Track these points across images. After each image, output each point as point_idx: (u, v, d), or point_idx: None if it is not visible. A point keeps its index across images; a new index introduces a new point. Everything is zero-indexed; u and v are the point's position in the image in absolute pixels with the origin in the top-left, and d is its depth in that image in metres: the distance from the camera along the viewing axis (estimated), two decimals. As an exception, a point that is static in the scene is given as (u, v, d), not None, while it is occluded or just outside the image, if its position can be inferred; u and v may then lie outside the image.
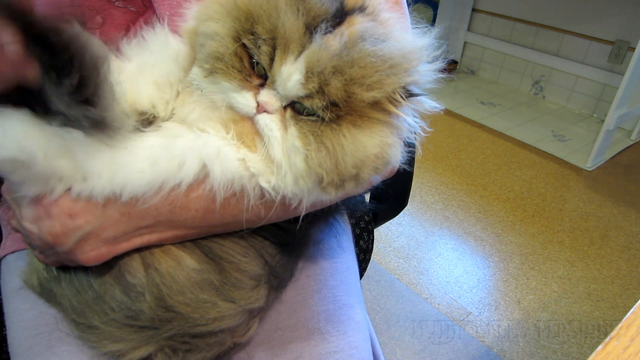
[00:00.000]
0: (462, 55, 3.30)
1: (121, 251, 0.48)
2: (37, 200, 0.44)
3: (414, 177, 0.87)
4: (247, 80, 0.43)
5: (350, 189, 0.45)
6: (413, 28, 0.49)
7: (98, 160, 0.43)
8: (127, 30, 0.54)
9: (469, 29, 3.22)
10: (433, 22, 3.14)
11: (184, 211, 0.46)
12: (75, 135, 0.42)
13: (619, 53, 2.57)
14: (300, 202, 0.46)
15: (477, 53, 3.23)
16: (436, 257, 1.73)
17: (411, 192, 0.91)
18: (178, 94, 0.48)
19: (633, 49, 2.00)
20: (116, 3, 0.53)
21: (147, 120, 0.47)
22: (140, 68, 0.47)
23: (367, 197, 0.90)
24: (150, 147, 0.45)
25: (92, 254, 0.46)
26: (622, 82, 2.04)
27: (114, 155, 0.43)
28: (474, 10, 3.16)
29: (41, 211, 0.45)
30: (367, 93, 0.41)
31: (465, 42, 3.25)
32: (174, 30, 0.49)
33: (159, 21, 0.50)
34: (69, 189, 0.44)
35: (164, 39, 0.49)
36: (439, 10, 3.10)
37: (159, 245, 0.50)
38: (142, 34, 0.48)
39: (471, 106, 2.83)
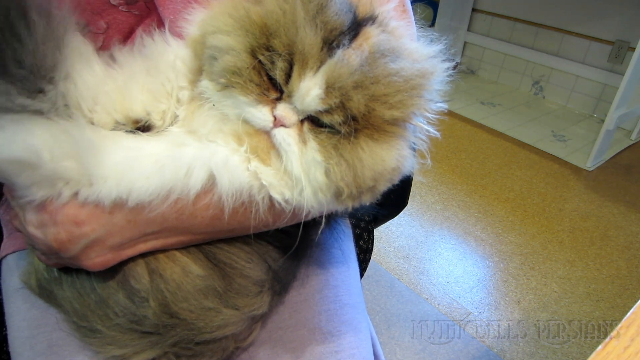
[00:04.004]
0: (462, 55, 3.30)
1: (126, 257, 0.48)
2: (42, 206, 0.44)
3: (414, 177, 0.87)
4: (264, 94, 0.43)
5: (366, 200, 0.46)
6: (419, 34, 0.50)
7: (104, 164, 0.42)
8: (131, 34, 0.54)
9: (469, 29, 3.22)
10: (433, 22, 3.14)
11: (191, 218, 0.46)
12: (82, 135, 0.42)
13: (619, 53, 2.57)
14: (310, 212, 0.46)
15: (477, 53, 3.23)
16: (436, 257, 1.73)
17: (411, 192, 0.91)
18: (178, 100, 0.48)
19: (633, 49, 2.00)
20: (120, 7, 0.52)
21: (143, 127, 0.47)
22: (133, 75, 0.46)
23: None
24: (156, 153, 0.44)
25: (97, 260, 0.46)
26: (622, 82, 2.04)
27: (120, 159, 0.43)
28: (474, 10, 3.16)
29: (46, 217, 0.44)
30: (388, 111, 0.41)
31: (465, 42, 3.25)
32: (177, 34, 0.49)
33: (161, 26, 0.50)
34: (75, 194, 0.43)
35: (162, 46, 0.48)
36: (439, 10, 3.09)
37: (163, 250, 0.49)
38: (142, 41, 0.47)
39: (471, 106, 2.83)
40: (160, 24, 0.51)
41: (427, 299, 1.56)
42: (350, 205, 0.45)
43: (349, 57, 0.40)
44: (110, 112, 0.45)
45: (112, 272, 0.49)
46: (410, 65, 0.42)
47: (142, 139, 0.46)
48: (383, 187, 0.45)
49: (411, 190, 0.90)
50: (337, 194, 0.43)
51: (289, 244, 0.54)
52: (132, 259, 0.49)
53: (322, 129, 0.42)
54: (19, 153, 0.40)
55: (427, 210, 1.96)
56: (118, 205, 0.44)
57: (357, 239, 0.85)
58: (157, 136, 0.47)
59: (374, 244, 0.88)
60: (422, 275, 1.65)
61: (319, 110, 0.41)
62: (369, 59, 0.40)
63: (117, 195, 0.43)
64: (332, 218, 0.60)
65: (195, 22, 0.46)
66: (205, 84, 0.45)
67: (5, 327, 0.61)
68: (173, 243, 0.49)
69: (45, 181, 0.42)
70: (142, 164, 0.43)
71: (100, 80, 0.45)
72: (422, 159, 0.48)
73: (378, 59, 0.41)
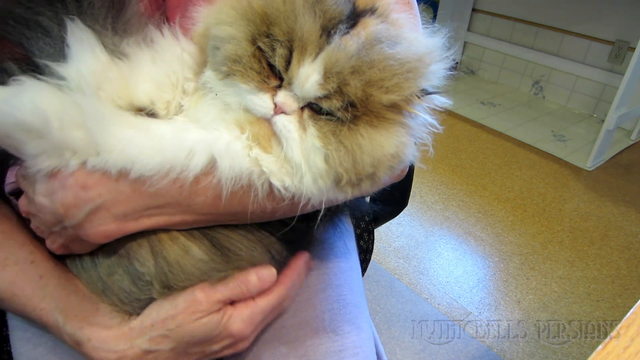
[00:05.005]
0: (462, 55, 3.31)
1: (129, 231, 0.48)
2: (52, 174, 0.45)
3: (414, 177, 0.88)
4: (264, 82, 0.43)
5: (366, 188, 0.46)
6: (423, 28, 0.50)
7: (111, 136, 0.43)
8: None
9: (469, 29, 3.22)
10: (433, 22, 3.14)
11: (193, 195, 0.47)
12: (91, 106, 0.43)
13: (619, 53, 2.57)
14: (309, 200, 0.46)
15: (477, 53, 3.23)
16: (436, 257, 1.74)
17: (411, 192, 0.91)
18: (184, 91, 0.48)
19: (633, 49, 2.01)
20: None
21: (147, 115, 0.47)
22: (139, 65, 0.47)
23: (368, 198, 0.90)
24: (161, 134, 0.45)
25: (100, 228, 0.46)
26: (622, 82, 2.05)
27: (126, 133, 0.44)
28: (474, 10, 3.16)
29: (56, 184, 0.45)
30: (385, 95, 0.41)
31: (465, 42, 3.25)
32: (185, 32, 0.50)
33: (169, 23, 0.51)
34: (83, 163, 0.44)
35: (171, 40, 0.49)
36: (439, 10, 3.10)
37: (167, 232, 0.50)
38: (150, 35, 0.48)
39: (471, 106, 2.84)
40: (167, 23, 0.52)
41: (427, 299, 1.56)
42: (350, 192, 0.45)
43: (346, 42, 0.41)
44: (113, 99, 0.45)
45: (117, 257, 0.49)
46: (405, 48, 0.42)
47: (149, 119, 0.47)
48: (383, 174, 0.45)
49: (411, 190, 0.91)
50: (337, 180, 0.43)
51: (293, 238, 0.55)
52: (137, 241, 0.49)
53: (322, 116, 0.43)
54: (28, 117, 0.40)
55: (427, 210, 1.97)
56: (124, 174, 0.44)
57: (358, 239, 0.85)
58: (163, 121, 0.47)
59: (374, 244, 0.88)
60: (422, 275, 1.65)
61: (318, 96, 0.42)
62: (366, 45, 0.41)
63: (123, 165, 0.43)
64: (334, 212, 0.60)
65: (200, 18, 0.47)
66: (209, 74, 0.46)
67: (6, 326, 0.61)
68: (177, 222, 0.49)
69: (53, 150, 0.43)
70: (146, 141, 0.44)
71: (104, 67, 0.45)
72: (423, 146, 0.48)
73: (375, 45, 0.41)
